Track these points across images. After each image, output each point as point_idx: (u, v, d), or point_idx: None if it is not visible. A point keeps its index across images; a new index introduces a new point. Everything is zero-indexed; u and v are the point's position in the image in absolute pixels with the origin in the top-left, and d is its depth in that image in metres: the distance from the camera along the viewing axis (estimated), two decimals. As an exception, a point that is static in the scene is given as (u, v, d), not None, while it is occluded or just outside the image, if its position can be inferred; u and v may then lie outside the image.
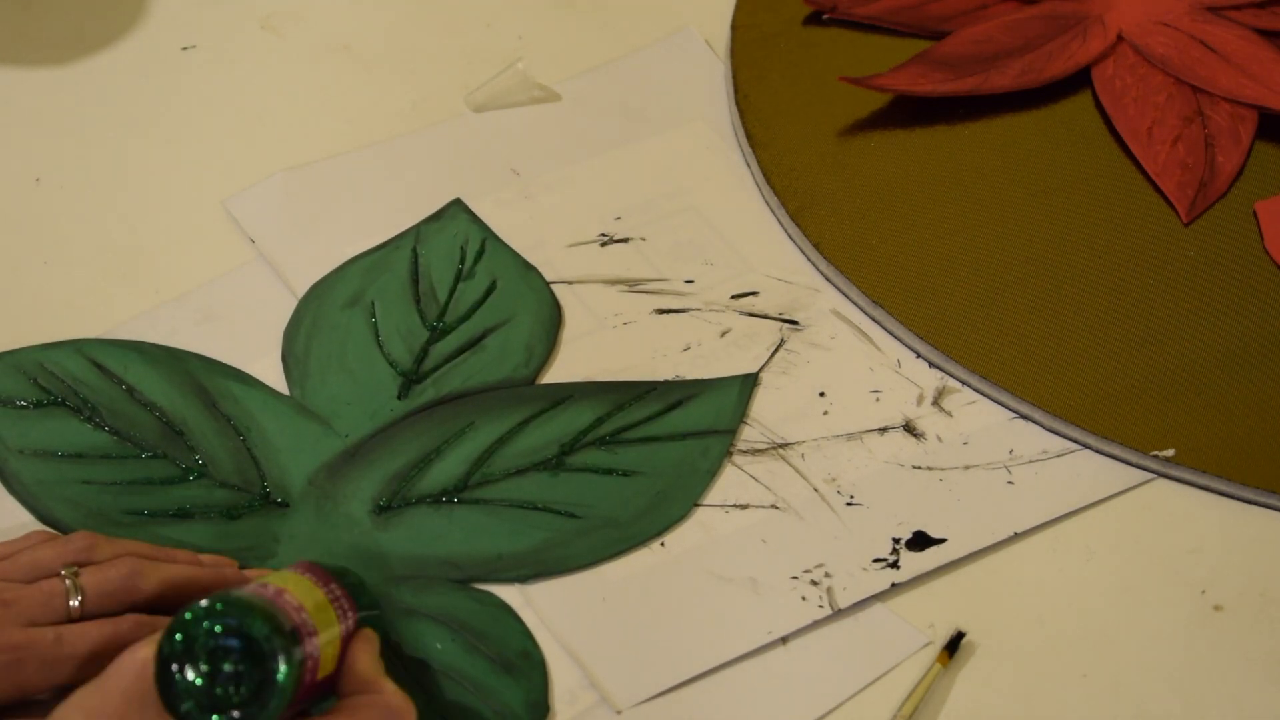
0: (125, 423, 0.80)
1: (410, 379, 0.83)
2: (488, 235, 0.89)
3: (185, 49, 0.99)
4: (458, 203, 0.91)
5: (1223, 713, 0.73)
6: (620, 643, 0.74)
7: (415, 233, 0.89)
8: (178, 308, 0.85)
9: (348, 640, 0.65)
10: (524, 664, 0.72)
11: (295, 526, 0.77)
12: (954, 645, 0.74)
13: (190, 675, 0.60)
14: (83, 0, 1.01)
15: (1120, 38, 0.99)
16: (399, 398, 0.82)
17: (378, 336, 0.84)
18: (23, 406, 0.80)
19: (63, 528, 0.75)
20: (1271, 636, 0.75)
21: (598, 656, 0.73)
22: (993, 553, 0.78)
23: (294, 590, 0.64)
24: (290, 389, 0.82)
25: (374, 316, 0.85)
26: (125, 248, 0.88)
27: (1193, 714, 0.73)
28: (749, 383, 0.83)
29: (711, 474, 0.80)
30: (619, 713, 0.71)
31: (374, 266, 0.87)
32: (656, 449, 0.80)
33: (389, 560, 0.76)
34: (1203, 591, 0.77)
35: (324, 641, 0.63)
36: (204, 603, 0.61)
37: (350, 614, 0.66)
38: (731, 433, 0.81)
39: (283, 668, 0.60)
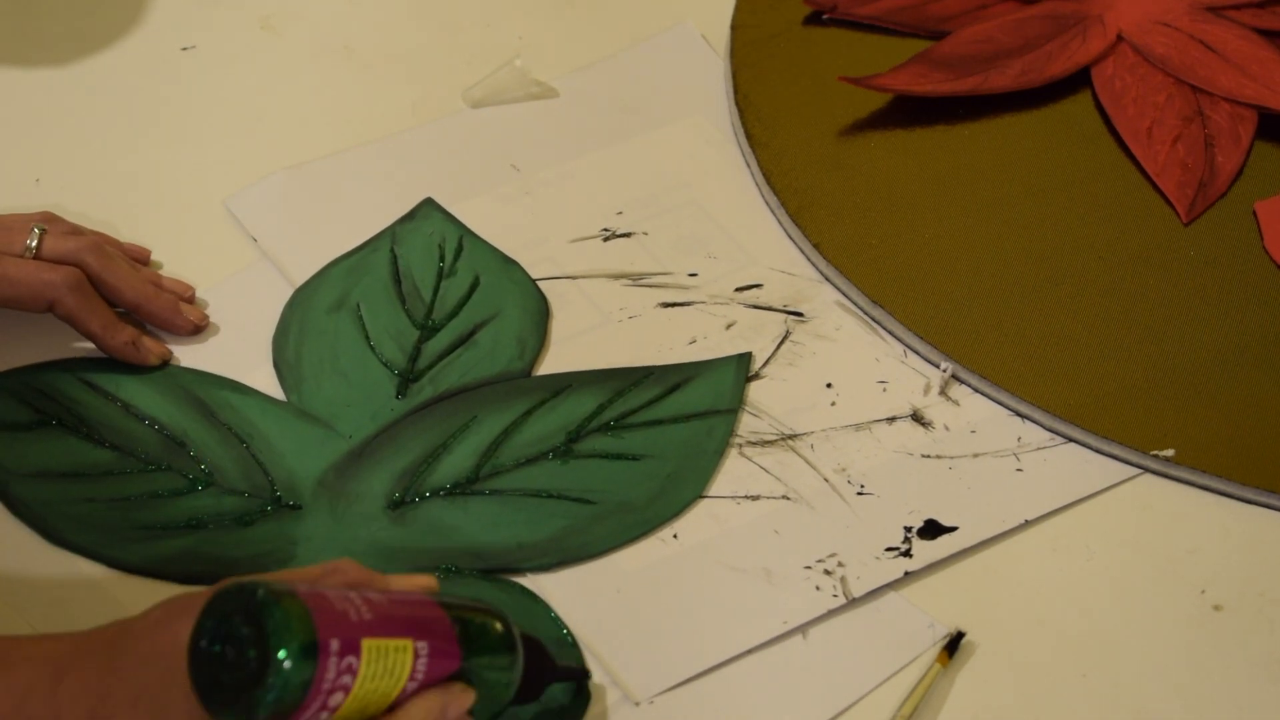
0: (124, 438, 0.79)
1: (407, 378, 0.83)
2: (464, 232, 0.89)
3: (185, 49, 0.99)
4: (430, 202, 0.91)
5: (1223, 713, 0.73)
6: (636, 635, 0.74)
7: (391, 234, 0.89)
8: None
9: (422, 684, 0.63)
10: (561, 651, 0.72)
11: (311, 528, 0.77)
12: (954, 645, 0.74)
13: (210, 646, 0.60)
14: (83, 0, 1.01)
15: (1120, 38, 0.99)
16: (398, 397, 0.82)
17: (368, 338, 0.84)
18: (16, 428, 0.79)
19: (74, 548, 0.75)
20: (1271, 636, 0.76)
21: (614, 649, 0.73)
22: (993, 553, 0.78)
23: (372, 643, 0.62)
24: (286, 395, 0.82)
25: (361, 319, 0.85)
26: (125, 248, 0.88)
27: (1193, 714, 0.73)
28: (744, 361, 0.84)
29: (719, 453, 0.80)
30: (636, 704, 0.72)
31: (354, 269, 0.87)
32: (662, 432, 0.81)
33: (410, 554, 0.76)
34: (1203, 591, 0.77)
35: (366, 678, 0.61)
36: (244, 582, 0.60)
37: (435, 661, 0.63)
38: (733, 412, 0.82)
39: (283, 670, 0.60)
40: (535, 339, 0.85)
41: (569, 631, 0.73)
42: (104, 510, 0.77)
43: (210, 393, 0.81)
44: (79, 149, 0.93)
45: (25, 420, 0.80)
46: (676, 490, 0.79)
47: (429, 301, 0.86)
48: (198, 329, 0.83)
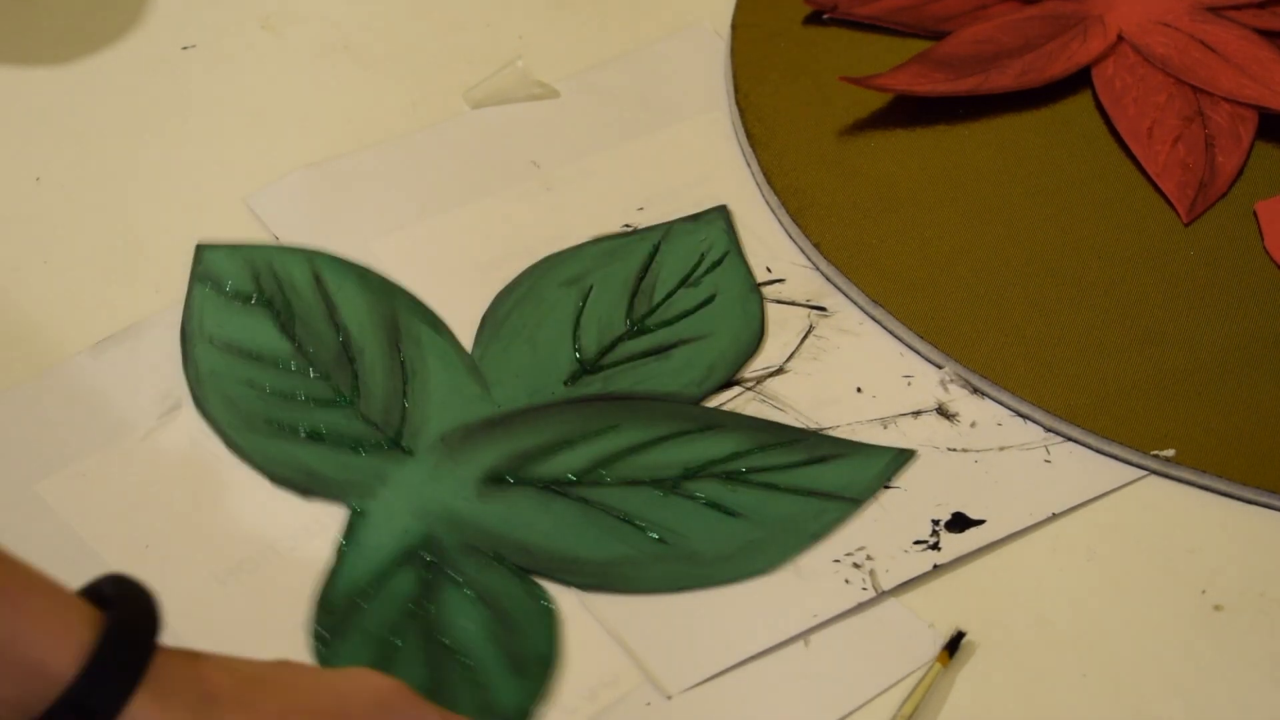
0: (310, 337, 0.81)
1: (585, 369, 0.82)
2: (732, 250, 0.89)
3: (185, 49, 0.99)
4: (722, 209, 0.90)
5: (1223, 713, 0.73)
6: (666, 629, 0.74)
7: (666, 228, 0.89)
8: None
9: None
10: (534, 669, 0.72)
11: (406, 475, 0.77)
12: (954, 645, 0.74)
13: None
14: (83, 0, 1.01)
15: (1120, 38, 0.99)
16: (565, 384, 0.82)
17: (578, 319, 0.84)
18: (235, 297, 0.82)
19: (212, 421, 0.79)
20: (1271, 636, 0.75)
21: (645, 642, 0.73)
22: (993, 552, 0.78)
23: None
24: (473, 348, 0.83)
25: (585, 299, 0.85)
26: (124, 246, 0.88)
27: (1193, 714, 0.73)
28: (901, 458, 0.80)
29: (815, 538, 0.77)
30: (669, 698, 0.71)
31: (611, 252, 0.88)
32: (773, 498, 0.78)
33: (472, 530, 0.76)
34: (1203, 591, 0.77)
35: None
36: None
37: None
38: (856, 503, 0.78)
39: None
40: (725, 371, 0.83)
41: (555, 657, 0.72)
42: (254, 397, 0.79)
43: (410, 321, 0.83)
44: (79, 149, 0.93)
45: (245, 293, 0.83)
46: (749, 558, 0.76)
47: (655, 303, 0.86)
48: None
